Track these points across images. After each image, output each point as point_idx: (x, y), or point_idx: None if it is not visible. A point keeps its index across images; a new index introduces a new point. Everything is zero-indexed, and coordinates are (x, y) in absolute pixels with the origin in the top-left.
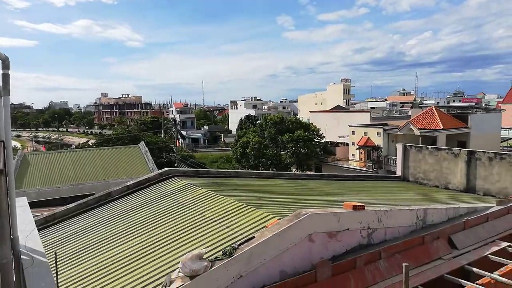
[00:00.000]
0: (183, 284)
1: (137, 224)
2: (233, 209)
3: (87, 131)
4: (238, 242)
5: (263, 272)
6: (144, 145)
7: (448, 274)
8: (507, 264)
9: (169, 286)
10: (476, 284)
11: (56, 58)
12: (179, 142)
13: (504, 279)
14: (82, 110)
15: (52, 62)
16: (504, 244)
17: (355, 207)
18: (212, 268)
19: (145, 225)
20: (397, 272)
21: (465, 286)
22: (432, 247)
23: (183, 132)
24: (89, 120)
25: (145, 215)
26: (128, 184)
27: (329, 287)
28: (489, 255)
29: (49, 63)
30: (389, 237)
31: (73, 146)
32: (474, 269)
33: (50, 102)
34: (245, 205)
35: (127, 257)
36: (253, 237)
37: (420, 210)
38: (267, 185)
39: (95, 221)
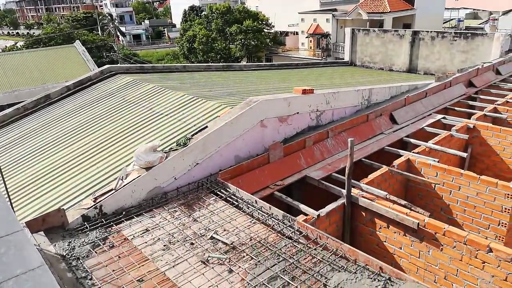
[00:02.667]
0: (139, 175)
1: (83, 124)
2: (183, 102)
3: (12, 32)
4: (192, 133)
5: (218, 158)
6: (80, 44)
7: (388, 146)
8: (440, 134)
9: (125, 178)
10: (413, 152)
11: None
12: (119, 40)
13: (436, 146)
14: (2, 8)
15: None
16: (439, 116)
17: (304, 91)
18: (168, 159)
19: (92, 125)
20: (343, 148)
21: (402, 155)
22: (375, 123)
23: (122, 28)
24: (12, 19)
25: (91, 115)
26: (68, 84)
27: (281, 166)
28: (425, 127)
29: None
30: (337, 117)
31: (0, 50)
32: (412, 140)
33: None
34: (195, 98)
35: (77, 157)
36: (206, 126)
37: (365, 91)
38: (217, 77)
39: (37, 125)
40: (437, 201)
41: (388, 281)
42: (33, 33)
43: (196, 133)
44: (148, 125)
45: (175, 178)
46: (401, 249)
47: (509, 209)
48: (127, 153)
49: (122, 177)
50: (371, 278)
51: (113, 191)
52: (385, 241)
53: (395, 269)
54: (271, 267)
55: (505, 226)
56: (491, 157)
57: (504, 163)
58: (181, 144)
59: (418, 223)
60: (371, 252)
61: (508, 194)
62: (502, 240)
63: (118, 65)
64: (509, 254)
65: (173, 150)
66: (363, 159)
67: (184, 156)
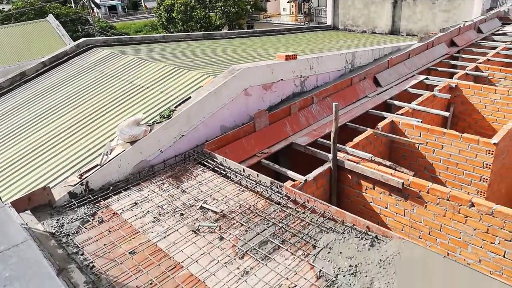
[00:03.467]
0: (124, 150)
1: (63, 101)
2: (165, 73)
3: None
4: (175, 104)
5: (204, 129)
6: (54, 19)
7: (373, 109)
8: (423, 94)
9: (110, 154)
10: (396, 114)
11: None
12: (94, 12)
13: (419, 107)
14: None
15: None
16: (422, 77)
17: (287, 57)
18: (152, 132)
19: (72, 101)
20: (328, 113)
21: (386, 117)
22: (359, 87)
23: (97, 0)
24: None
25: (69, 91)
26: (44, 60)
27: (267, 134)
28: (409, 88)
29: None
30: (321, 82)
31: None
32: (395, 102)
33: None
34: (177, 68)
35: (58, 135)
36: (190, 97)
37: (348, 54)
38: (198, 47)
39: (15, 103)
40: (421, 160)
41: (375, 239)
42: (3, 8)
43: (180, 104)
44: (129, 98)
45: (161, 151)
46: (386, 208)
47: (490, 165)
48: (110, 128)
49: (107, 152)
50: (359, 237)
51: (99, 166)
52: (371, 202)
53: (381, 227)
54: (261, 232)
55: (486, 181)
56: (473, 115)
57: (485, 120)
58: (165, 116)
59: (403, 183)
60: (358, 213)
61: (489, 150)
62: (484, 195)
63: (95, 38)
64: (490, 207)
65: (157, 123)
66: (348, 123)
67: (168, 128)
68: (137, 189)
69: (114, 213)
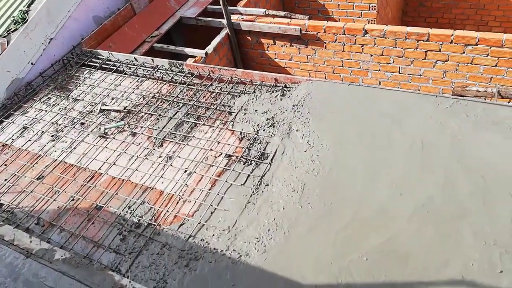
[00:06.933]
0: None
1: None
2: None
3: None
4: (27, 4)
5: (75, 25)
6: None
7: None
8: None
9: None
10: None
11: None
12: None
13: None
14: None
15: None
16: None
17: None
18: (11, 43)
19: None
20: None
21: None
22: None
23: None
24: None
25: None
26: None
27: (150, 14)
28: None
29: None
30: None
31: None
32: None
33: None
34: None
35: None
36: None
37: None
38: None
39: None
40: (313, 4)
41: (284, 88)
42: None
43: (32, 2)
44: None
45: (32, 63)
46: (291, 60)
47: None
48: None
49: None
50: (270, 92)
51: None
52: (275, 58)
53: (288, 75)
54: (173, 116)
55: (374, 9)
56: None
57: None
58: (19, 21)
59: (300, 29)
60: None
61: None
62: (374, 23)
63: None
64: (381, 29)
65: (13, 31)
66: None
67: (29, 33)
68: (20, 113)
69: (3, 145)
